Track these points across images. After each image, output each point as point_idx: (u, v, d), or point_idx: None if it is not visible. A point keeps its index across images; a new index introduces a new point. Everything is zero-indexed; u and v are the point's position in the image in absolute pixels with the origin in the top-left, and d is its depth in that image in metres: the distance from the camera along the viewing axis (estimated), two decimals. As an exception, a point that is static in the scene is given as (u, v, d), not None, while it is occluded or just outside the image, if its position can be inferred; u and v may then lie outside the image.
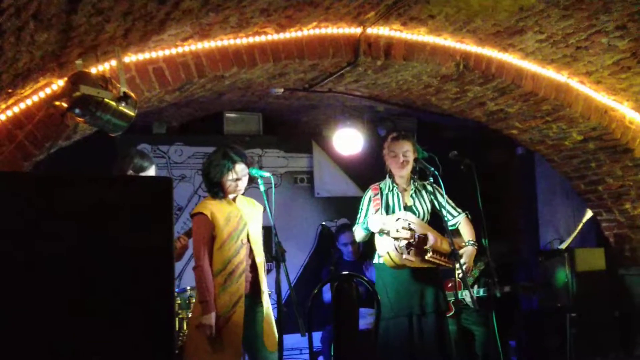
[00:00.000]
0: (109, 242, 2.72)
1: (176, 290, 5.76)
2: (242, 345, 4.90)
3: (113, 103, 4.17)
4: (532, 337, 7.43)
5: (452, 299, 6.12)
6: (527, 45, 5.77)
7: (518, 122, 6.91)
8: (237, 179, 4.94)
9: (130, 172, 4.98)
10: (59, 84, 4.55)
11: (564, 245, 7.32)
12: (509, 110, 6.70)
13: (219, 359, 4.80)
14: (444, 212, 5.37)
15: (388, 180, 5.48)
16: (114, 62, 4.61)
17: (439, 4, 5.10)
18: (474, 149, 7.23)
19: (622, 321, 6.86)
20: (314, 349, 4.59)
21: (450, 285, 6.41)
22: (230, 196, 5.01)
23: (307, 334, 4.53)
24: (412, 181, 5.49)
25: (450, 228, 5.32)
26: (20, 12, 3.33)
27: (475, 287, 6.91)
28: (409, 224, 5.17)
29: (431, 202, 5.47)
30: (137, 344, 2.74)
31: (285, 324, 4.71)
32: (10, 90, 4.32)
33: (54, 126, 4.66)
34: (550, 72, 6.25)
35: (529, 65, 6.14)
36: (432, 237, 5.23)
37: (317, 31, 5.42)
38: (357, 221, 5.47)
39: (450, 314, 6.10)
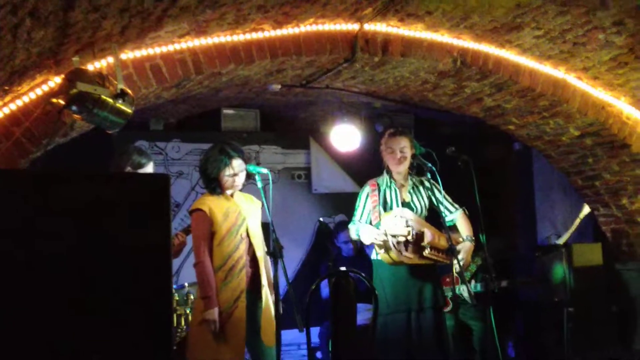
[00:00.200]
0: (106, 239, 2.72)
1: (174, 286, 5.77)
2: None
3: (110, 100, 4.16)
4: (529, 331, 7.45)
5: (449, 294, 6.13)
6: (524, 41, 5.78)
7: (515, 117, 6.91)
8: (234, 175, 4.95)
9: (128, 168, 4.99)
10: (55, 81, 4.55)
11: (561, 241, 7.33)
12: (506, 106, 6.70)
13: (223, 355, 4.82)
14: (442, 208, 5.38)
15: (386, 176, 5.49)
16: (111, 59, 4.60)
17: (436, 0, 5.10)
18: (471, 144, 7.24)
19: (619, 316, 6.88)
20: (312, 345, 4.59)
21: (447, 280, 6.42)
22: (228, 192, 5.01)
23: (305, 329, 4.53)
24: (409, 177, 5.50)
25: (447, 224, 5.34)
26: (17, 9, 3.33)
27: (473, 282, 6.93)
28: (407, 221, 5.17)
29: (429, 198, 5.48)
30: (135, 341, 2.74)
31: (283, 320, 4.72)
32: (6, 88, 4.32)
33: (51, 123, 4.65)
34: (547, 68, 6.25)
35: (526, 61, 6.14)
36: (429, 233, 5.24)
37: (314, 27, 5.41)
38: (353, 218, 5.47)
39: (448, 309, 6.12)
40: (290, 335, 6.33)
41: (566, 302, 6.55)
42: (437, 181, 5.37)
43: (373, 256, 5.44)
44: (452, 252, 5.12)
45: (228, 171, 4.93)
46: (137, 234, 2.78)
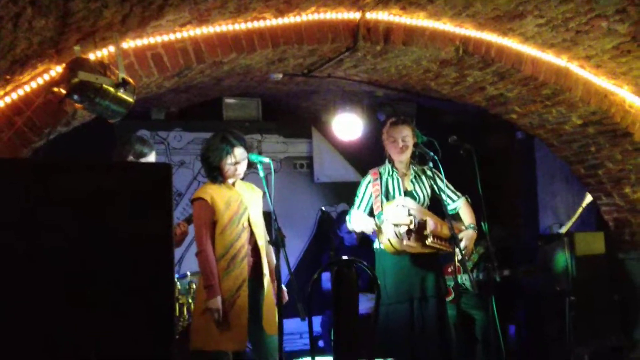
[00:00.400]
0: (107, 229, 2.73)
1: (176, 275, 5.78)
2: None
3: (111, 89, 4.16)
4: (531, 320, 7.45)
5: (451, 283, 6.13)
6: (526, 29, 5.75)
7: (518, 106, 6.89)
8: (236, 163, 4.94)
9: (131, 158, 4.99)
10: (57, 70, 4.54)
11: (563, 230, 7.31)
12: (509, 95, 6.68)
13: (225, 343, 4.83)
14: (444, 197, 5.38)
15: (387, 165, 5.48)
16: (112, 48, 4.59)
17: (438, -12, 5.09)
18: (473, 133, 7.22)
19: (622, 305, 6.88)
20: (314, 334, 4.59)
21: (450, 269, 6.42)
22: (230, 181, 5.01)
23: (307, 318, 4.53)
24: (411, 166, 5.49)
25: (450, 212, 5.33)
26: (18, -2, 3.32)
27: (475, 271, 6.92)
28: (409, 210, 5.17)
29: (431, 186, 5.48)
30: (137, 331, 2.75)
31: (285, 309, 4.72)
32: (8, 77, 4.31)
33: (52, 112, 4.65)
34: (550, 57, 6.23)
35: (529, 50, 6.12)
36: (431, 222, 5.24)
37: (315, 16, 5.39)
38: (353, 206, 5.47)
39: (450, 298, 6.12)
40: (293, 324, 6.33)
41: (568, 291, 6.55)
42: (439, 170, 5.37)
43: (375, 245, 5.44)
44: (454, 240, 5.12)
45: (230, 159, 4.92)
46: (139, 223, 2.78)
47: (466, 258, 5.32)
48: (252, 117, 7.96)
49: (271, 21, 5.26)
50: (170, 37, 4.96)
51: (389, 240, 5.13)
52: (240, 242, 4.90)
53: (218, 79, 6.10)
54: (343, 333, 4.42)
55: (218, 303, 4.76)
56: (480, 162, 5.29)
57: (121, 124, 5.17)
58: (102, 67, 4.17)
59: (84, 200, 2.70)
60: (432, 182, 5.46)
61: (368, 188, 5.42)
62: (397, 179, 5.42)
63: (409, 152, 5.44)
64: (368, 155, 6.65)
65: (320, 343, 7.19)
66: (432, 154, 5.27)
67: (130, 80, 4.30)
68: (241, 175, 5.05)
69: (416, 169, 5.51)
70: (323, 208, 5.75)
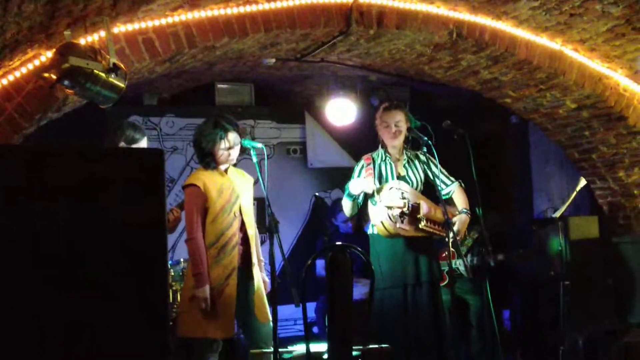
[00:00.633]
0: (100, 216, 2.70)
1: (170, 262, 5.76)
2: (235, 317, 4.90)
3: (102, 74, 4.13)
4: (526, 305, 7.46)
5: (446, 268, 6.13)
6: (520, 12, 5.73)
7: (512, 90, 6.88)
8: (230, 148, 4.91)
9: (122, 144, 4.96)
10: (47, 55, 4.50)
11: (557, 214, 7.31)
12: (503, 79, 6.67)
13: (212, 332, 4.81)
14: (438, 182, 5.36)
15: (381, 151, 5.47)
16: (102, 33, 4.55)
17: (431, -29, 5.06)
18: (467, 118, 7.22)
19: (616, 289, 6.89)
20: (308, 320, 4.58)
21: (444, 254, 6.42)
22: (222, 167, 4.98)
23: (301, 304, 4.52)
24: (404, 151, 5.47)
25: (443, 197, 5.32)
26: (6, -18, 3.28)
27: (469, 256, 6.92)
28: (402, 193, 5.16)
29: (424, 171, 5.46)
30: (131, 318, 2.72)
31: (279, 295, 4.71)
32: (-2, 63, 4.28)
33: (43, 98, 4.61)
34: (544, 40, 6.21)
35: (523, 33, 6.10)
36: (425, 206, 5.23)
37: (308, 0, 5.36)
38: (345, 192, 5.45)
39: (444, 283, 6.12)
40: (287, 311, 6.34)
41: (562, 275, 6.56)
42: (433, 155, 5.36)
43: (369, 230, 5.43)
44: (448, 225, 5.11)
45: (224, 144, 4.88)
46: (132, 210, 2.76)
47: (459, 242, 5.32)
48: (245, 103, 7.92)
49: (263, 5, 5.23)
50: (162, 21, 4.93)
51: (382, 222, 5.12)
52: (231, 231, 4.87)
53: (210, 64, 6.06)
54: (337, 319, 4.41)
55: (206, 292, 4.74)
56: (474, 146, 5.27)
57: (113, 109, 5.13)
58: (92, 52, 4.13)
59: (76, 187, 2.68)
60: (426, 167, 5.45)
61: (361, 173, 5.40)
62: (390, 164, 5.40)
63: (402, 137, 5.42)
64: (362, 141, 6.62)
65: (315, 329, 7.19)
66: (425, 138, 5.25)
67: (122, 65, 4.26)
68: (234, 161, 5.02)
69: (409, 154, 5.49)
70: (317, 194, 5.74)
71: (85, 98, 4.40)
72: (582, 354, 5.98)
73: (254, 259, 4.97)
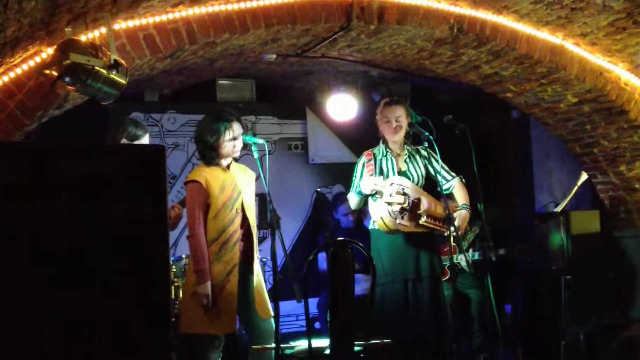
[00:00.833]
0: (101, 212, 2.70)
1: (171, 258, 5.77)
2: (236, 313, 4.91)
3: (104, 71, 4.13)
4: (527, 300, 7.46)
5: (447, 263, 6.14)
6: (521, 7, 5.72)
7: (513, 85, 6.87)
8: (235, 138, 4.91)
9: (124, 140, 4.96)
10: (48, 52, 4.50)
11: (559, 208, 7.32)
12: (504, 74, 6.66)
13: (214, 328, 4.82)
14: (439, 177, 5.37)
15: (382, 146, 5.47)
16: (103, 30, 4.55)
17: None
18: (468, 113, 7.22)
19: (617, 283, 6.90)
20: (310, 315, 4.59)
21: (446, 250, 6.42)
22: (225, 162, 4.98)
23: (303, 300, 4.53)
24: (405, 146, 5.48)
25: (444, 192, 5.33)
26: (7, -21, 3.28)
27: (471, 251, 6.93)
28: (403, 188, 5.16)
29: (425, 167, 5.46)
30: (133, 314, 2.73)
31: (281, 291, 4.71)
32: (-1, 59, 4.28)
33: (44, 95, 4.61)
34: (545, 34, 6.20)
35: (524, 28, 6.09)
36: (425, 201, 5.23)
37: (308, -5, 5.36)
38: (351, 188, 5.46)
39: (446, 278, 6.12)
40: (289, 306, 6.34)
41: (564, 269, 6.57)
42: (434, 150, 5.36)
43: (370, 226, 5.44)
44: (448, 220, 5.12)
45: (228, 135, 4.88)
46: (134, 206, 2.76)
47: (459, 238, 5.32)
48: (246, 99, 7.92)
49: (264, 1, 5.22)
50: (162, 17, 4.92)
51: (382, 218, 5.13)
52: (233, 227, 4.88)
53: (211, 60, 6.06)
54: (339, 314, 4.41)
55: (208, 288, 4.74)
56: (476, 141, 5.28)
57: (114, 106, 5.15)
58: (93, 49, 4.14)
59: (77, 184, 2.68)
60: (427, 162, 5.45)
61: (364, 169, 5.40)
62: (391, 159, 5.40)
63: (402, 132, 5.42)
64: (363, 136, 6.63)
65: (317, 325, 7.20)
66: (426, 133, 5.26)
67: (123, 61, 4.27)
68: (238, 153, 5.01)
69: (410, 149, 5.50)
70: (318, 189, 5.74)
71: (86, 95, 4.41)
72: (583, 348, 5.97)
73: (256, 255, 4.98)
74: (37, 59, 4.55)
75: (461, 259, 6.63)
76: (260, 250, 5.26)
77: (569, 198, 7.37)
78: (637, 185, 7.31)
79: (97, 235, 2.69)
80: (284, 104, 8.37)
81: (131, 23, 4.81)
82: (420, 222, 5.19)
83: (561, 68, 6.37)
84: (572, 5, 5.55)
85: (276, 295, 4.65)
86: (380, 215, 5.13)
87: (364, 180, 5.25)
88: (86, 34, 4.49)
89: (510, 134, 9.05)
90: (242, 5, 5.16)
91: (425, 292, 5.29)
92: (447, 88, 8.05)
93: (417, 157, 5.49)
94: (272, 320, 4.85)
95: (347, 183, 5.56)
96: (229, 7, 5.12)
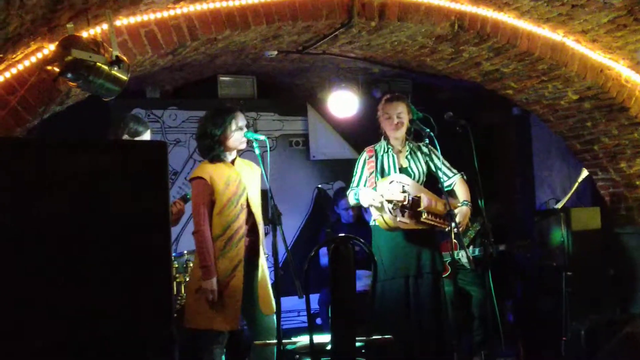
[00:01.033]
0: (104, 208, 2.72)
1: (173, 254, 5.77)
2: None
3: (105, 67, 4.14)
4: (528, 296, 7.48)
5: (448, 259, 6.15)
6: (522, 4, 5.72)
7: (513, 82, 6.87)
8: (241, 128, 4.92)
9: (126, 136, 4.97)
10: (50, 48, 4.51)
11: (559, 205, 7.32)
12: (505, 70, 6.66)
13: (218, 323, 4.83)
14: (440, 174, 5.38)
15: (383, 142, 5.48)
16: (105, 26, 4.56)
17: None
18: (469, 109, 7.21)
19: (617, 280, 6.91)
20: (312, 311, 4.60)
21: (447, 246, 6.43)
22: (230, 157, 4.99)
23: (304, 296, 4.54)
24: (407, 143, 5.48)
25: (445, 189, 5.33)
26: (9, -25, 3.29)
27: (471, 247, 6.94)
28: (403, 186, 5.16)
29: (426, 163, 5.47)
30: (136, 310, 2.74)
31: (282, 287, 4.72)
32: (1, 55, 4.28)
33: (46, 91, 4.62)
34: (545, 31, 6.20)
35: (525, 25, 6.09)
36: (426, 198, 5.24)
37: (310, -8, 5.37)
38: (351, 184, 5.47)
39: (447, 274, 6.13)
40: (290, 302, 6.34)
41: (564, 266, 6.58)
42: (435, 146, 5.36)
43: (371, 222, 5.45)
44: (449, 217, 5.12)
45: (234, 125, 4.90)
46: (135, 202, 2.77)
47: (460, 234, 5.33)
48: (247, 95, 7.92)
49: (265, -3, 5.23)
50: (164, 14, 4.93)
51: (382, 216, 5.14)
52: (238, 223, 4.89)
53: (212, 56, 6.06)
54: (340, 310, 4.43)
55: (213, 284, 4.76)
56: (476, 138, 5.28)
57: (116, 102, 5.15)
58: (95, 45, 4.14)
59: (80, 179, 2.69)
60: (428, 159, 5.46)
61: (365, 165, 5.41)
62: (393, 155, 5.41)
63: (404, 129, 5.43)
64: (364, 133, 6.63)
65: (318, 320, 7.21)
66: (427, 130, 5.26)
67: (124, 58, 4.27)
68: (245, 144, 5.00)
69: (412, 146, 5.50)
70: (319, 185, 5.75)
71: (88, 91, 4.41)
72: (584, 344, 5.99)
73: (261, 251, 4.99)
74: (39, 55, 4.55)
75: (462, 255, 6.64)
76: (262, 246, 5.26)
77: (569, 195, 7.37)
78: (637, 182, 7.32)
79: (99, 231, 2.70)
80: (285, 100, 8.37)
81: (133, 19, 4.81)
82: (421, 219, 5.20)
83: (562, 65, 6.37)
84: (572, 2, 5.56)
85: (278, 291, 4.66)
86: (380, 213, 5.14)
87: (364, 192, 5.26)
88: (88, 30, 4.50)
89: (510, 131, 9.04)
90: (244, 1, 5.16)
91: (427, 288, 5.30)
92: (448, 85, 8.05)
93: (419, 153, 5.49)
94: (273, 316, 4.86)
95: (348, 179, 5.57)
96: (230, 3, 5.13)
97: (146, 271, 2.78)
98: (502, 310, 7.17)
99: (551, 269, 6.75)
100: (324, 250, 6.13)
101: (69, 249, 2.65)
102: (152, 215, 2.80)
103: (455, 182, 5.50)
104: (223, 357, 5.01)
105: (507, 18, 6.00)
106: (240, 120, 4.94)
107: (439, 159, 5.44)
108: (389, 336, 4.68)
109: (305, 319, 5.50)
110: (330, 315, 4.74)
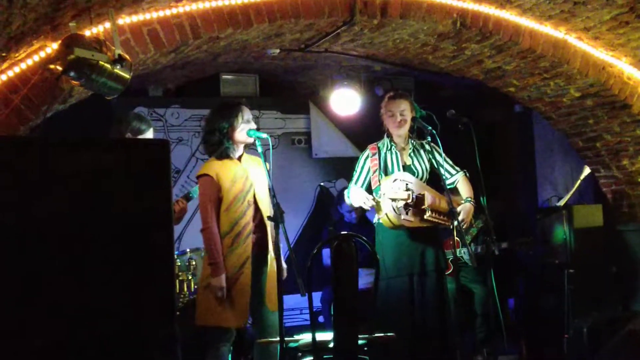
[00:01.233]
0: (106, 206, 2.72)
1: (176, 252, 5.78)
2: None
3: (108, 66, 4.14)
4: (530, 293, 7.48)
5: (450, 257, 6.15)
6: (524, 1, 5.72)
7: (516, 79, 6.87)
8: (248, 121, 4.93)
9: (128, 135, 4.97)
10: (53, 47, 4.52)
11: (562, 202, 7.33)
12: (507, 68, 6.66)
13: (226, 320, 4.84)
14: (442, 171, 5.38)
15: (386, 140, 5.48)
16: (107, 24, 4.56)
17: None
18: (471, 107, 7.21)
19: (620, 277, 6.91)
20: (314, 309, 4.61)
21: (451, 244, 6.44)
22: (237, 153, 4.99)
23: (307, 294, 4.54)
24: (410, 140, 5.48)
25: (448, 187, 5.33)
26: (12, -26, 3.30)
27: (474, 245, 6.93)
28: (407, 184, 5.17)
29: (429, 161, 5.47)
30: (138, 308, 2.75)
31: (285, 285, 4.73)
32: (4, 54, 4.29)
33: (49, 90, 4.63)
34: (548, 29, 6.20)
35: (527, 22, 6.09)
36: (429, 196, 5.24)
37: (312, -10, 5.37)
38: (350, 181, 5.47)
39: (449, 272, 6.13)
40: (292, 300, 6.36)
41: (567, 263, 6.58)
42: (437, 144, 5.36)
43: (375, 220, 5.45)
44: (452, 214, 5.12)
45: (241, 117, 4.91)
46: (138, 200, 2.77)
47: (464, 231, 5.33)
48: (250, 93, 7.92)
49: (267, -5, 5.24)
50: (166, 12, 4.93)
51: (386, 215, 5.14)
52: (245, 220, 4.90)
53: (215, 55, 6.07)
54: (343, 308, 4.43)
55: (222, 281, 4.77)
56: (479, 135, 5.28)
57: (118, 101, 5.16)
58: (98, 44, 4.14)
59: (83, 178, 2.69)
60: (431, 157, 5.46)
61: (366, 163, 5.41)
62: (396, 153, 5.41)
63: (407, 126, 5.43)
64: (366, 130, 6.64)
65: (321, 318, 7.22)
66: (430, 128, 5.26)
67: (127, 56, 4.28)
68: (252, 139, 5.00)
69: (415, 143, 5.50)
70: (322, 183, 5.74)
71: (91, 89, 4.42)
72: (586, 341, 5.99)
73: (269, 247, 4.98)
74: (42, 54, 4.56)
75: (464, 253, 6.64)
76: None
77: (571, 192, 7.38)
78: (639, 179, 7.32)
79: (102, 230, 2.71)
80: (287, 98, 8.38)
81: (135, 18, 4.82)
82: (425, 217, 5.20)
83: (564, 62, 6.38)
84: (575, -1, 5.57)
85: (280, 289, 4.67)
86: (384, 212, 5.14)
87: (355, 192, 5.26)
88: (90, 28, 4.51)
89: (513, 129, 9.04)
90: (246, 0, 5.17)
91: (431, 286, 5.29)
92: (450, 83, 8.05)
93: (422, 151, 5.49)
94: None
95: (350, 177, 5.57)
96: (233, 1, 5.13)
97: (149, 270, 2.78)
98: (505, 308, 7.19)
99: (553, 266, 6.76)
100: (327, 252, 6.14)
101: (71, 248, 2.65)
102: (155, 213, 2.80)
103: (458, 179, 5.50)
104: (230, 356, 5.02)
105: (509, 15, 6.00)
106: (246, 114, 4.96)
107: (441, 156, 5.45)
108: (391, 334, 4.69)
109: (307, 317, 5.50)
110: (332, 313, 4.74)
